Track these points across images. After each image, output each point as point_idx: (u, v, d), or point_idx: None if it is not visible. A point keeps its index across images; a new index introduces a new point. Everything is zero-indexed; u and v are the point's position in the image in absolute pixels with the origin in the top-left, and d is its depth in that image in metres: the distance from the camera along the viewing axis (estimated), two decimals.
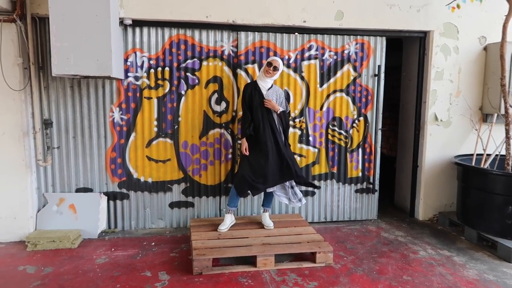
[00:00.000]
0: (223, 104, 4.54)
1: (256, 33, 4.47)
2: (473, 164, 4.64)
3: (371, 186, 4.93)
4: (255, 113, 3.95)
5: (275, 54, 4.54)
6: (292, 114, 4.65)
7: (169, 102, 4.45)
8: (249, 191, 4.04)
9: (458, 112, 4.92)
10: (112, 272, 3.49)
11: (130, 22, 4.17)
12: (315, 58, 4.63)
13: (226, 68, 4.49)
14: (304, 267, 3.63)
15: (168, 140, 4.49)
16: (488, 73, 4.88)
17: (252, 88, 3.98)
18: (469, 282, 3.41)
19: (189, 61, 4.42)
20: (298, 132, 4.71)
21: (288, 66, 4.59)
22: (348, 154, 4.85)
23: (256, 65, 4.53)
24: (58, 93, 4.23)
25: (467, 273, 3.58)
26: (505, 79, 4.25)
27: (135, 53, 4.30)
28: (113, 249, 3.99)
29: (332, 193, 4.88)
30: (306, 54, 4.61)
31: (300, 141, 4.73)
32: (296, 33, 4.54)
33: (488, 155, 4.67)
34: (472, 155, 4.78)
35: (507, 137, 4.22)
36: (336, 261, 3.77)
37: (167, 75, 4.40)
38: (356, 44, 4.69)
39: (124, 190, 4.48)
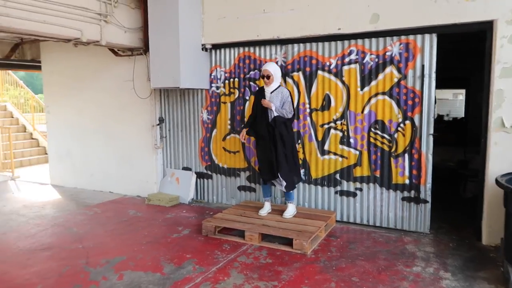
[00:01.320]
0: None
1: (301, 44, 5.05)
2: None
3: (418, 195, 4.54)
4: (258, 112, 4.68)
5: (317, 62, 4.97)
6: (334, 117, 4.93)
7: (238, 106, 5.63)
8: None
9: None
10: (163, 222, 5.05)
11: (210, 46, 5.62)
12: (356, 62, 4.74)
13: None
14: (282, 249, 4.12)
15: (237, 135, 5.67)
16: None
17: (259, 92, 4.71)
18: None
19: (251, 72, 5.47)
20: (340, 134, 4.93)
21: (329, 71, 4.91)
22: (392, 159, 4.66)
23: (300, 73, 5.10)
24: (172, 100, 6.14)
25: None
26: None
27: (217, 68, 5.71)
28: (184, 211, 5.56)
29: (375, 197, 4.80)
30: (347, 59, 4.80)
31: (342, 143, 4.93)
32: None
33: None
34: None
35: None
36: (316, 252, 4.04)
37: (236, 84, 5.59)
38: (400, 44, 4.49)
39: (209, 172, 5.97)
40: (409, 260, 3.85)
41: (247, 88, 5.52)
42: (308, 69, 5.08)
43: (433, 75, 4.38)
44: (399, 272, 3.61)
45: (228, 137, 5.75)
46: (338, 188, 5.00)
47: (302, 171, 5.12)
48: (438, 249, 4.12)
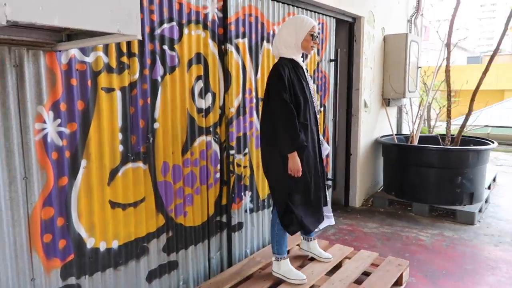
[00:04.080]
0: (209, 98, 2.95)
1: None
2: (409, 142, 5.04)
3: (330, 182, 4.51)
4: (304, 102, 2.74)
5: (262, 28, 3.32)
6: None
7: (140, 97, 2.47)
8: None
9: (374, 98, 5.18)
10: None
11: None
12: None
13: (210, 42, 2.91)
14: None
15: (140, 165, 2.51)
16: (387, 62, 5.36)
17: (290, 69, 2.73)
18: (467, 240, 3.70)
19: (165, 25, 2.58)
20: None
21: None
22: None
23: (246, 40, 3.17)
24: None
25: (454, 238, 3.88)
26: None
27: None
28: None
29: None
30: None
31: None
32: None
33: (402, 135, 5.18)
34: (390, 135, 5.18)
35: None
36: None
37: (135, 48, 2.41)
38: (319, 23, 4.08)
39: (72, 280, 2.20)
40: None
41: (158, 59, 2.55)
42: (254, 36, 3.24)
43: (338, 60, 4.40)
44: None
45: (120, 172, 2.39)
46: None
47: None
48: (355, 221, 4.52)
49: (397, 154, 4.86)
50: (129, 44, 2.38)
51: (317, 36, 2.78)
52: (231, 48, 3.03)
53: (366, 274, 2.97)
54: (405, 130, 6.11)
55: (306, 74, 2.82)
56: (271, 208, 3.58)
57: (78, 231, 2.21)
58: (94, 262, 2.30)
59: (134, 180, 2.48)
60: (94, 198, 2.27)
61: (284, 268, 2.83)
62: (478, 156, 4.54)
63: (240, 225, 3.30)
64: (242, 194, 3.30)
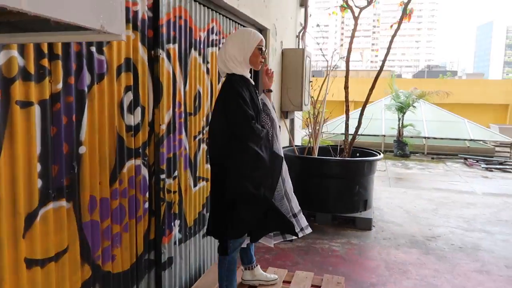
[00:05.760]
0: (138, 112, 2.43)
1: None
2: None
3: None
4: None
5: (190, 33, 2.92)
6: (202, 123, 3.21)
7: (64, 113, 1.86)
8: None
9: None
10: None
11: None
12: (216, 44, 3.38)
13: (140, 46, 2.41)
14: None
15: (63, 203, 1.88)
16: (285, 75, 5.45)
17: (244, 88, 2.47)
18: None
19: None
20: (205, 147, 3.32)
21: (200, 52, 3.09)
22: None
23: (176, 46, 2.74)
24: None
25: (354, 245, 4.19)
26: None
27: None
28: None
29: None
30: (211, 38, 3.29)
31: (207, 161, 3.36)
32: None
33: (298, 146, 5.33)
34: (289, 147, 5.28)
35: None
36: None
37: (58, 49, 1.80)
38: None
39: None
40: None
41: (85, 63, 1.96)
42: (183, 42, 2.82)
43: None
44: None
45: (38, 216, 1.74)
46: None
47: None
48: None
49: (300, 166, 4.97)
50: (51, 48, 1.76)
51: (264, 50, 2.57)
52: (162, 54, 2.57)
53: None
54: (297, 142, 6.33)
55: (257, 92, 2.58)
56: (201, 233, 3.23)
57: None
58: None
59: (56, 224, 1.85)
60: (5, 259, 1.59)
61: None
62: (371, 166, 4.96)
63: (170, 261, 2.83)
64: (172, 224, 2.84)
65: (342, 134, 5.75)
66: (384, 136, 12.51)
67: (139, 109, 2.42)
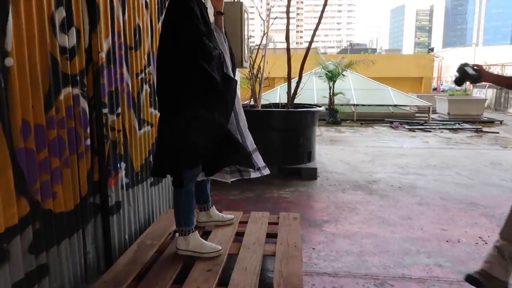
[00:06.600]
0: (73, 34, 2.13)
1: None
2: None
3: None
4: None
5: None
6: (144, 62, 2.95)
7: None
8: None
9: None
10: None
11: None
12: None
13: None
14: None
15: None
16: None
17: (197, 4, 2.28)
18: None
19: None
20: (149, 89, 3.07)
21: None
22: None
23: None
24: None
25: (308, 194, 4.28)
26: None
27: None
28: None
29: None
30: None
31: (151, 104, 3.11)
32: None
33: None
34: None
35: None
36: None
37: None
38: None
39: None
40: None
41: None
42: None
43: None
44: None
45: None
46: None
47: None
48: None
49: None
50: None
51: None
52: None
53: (271, 232, 2.80)
54: None
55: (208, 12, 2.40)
56: (149, 182, 3.02)
57: None
58: None
59: None
60: None
61: (194, 242, 2.37)
62: (313, 117, 5.02)
63: (118, 206, 2.60)
64: (118, 166, 2.59)
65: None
66: (317, 104, 12.87)
67: (73, 30, 2.13)
